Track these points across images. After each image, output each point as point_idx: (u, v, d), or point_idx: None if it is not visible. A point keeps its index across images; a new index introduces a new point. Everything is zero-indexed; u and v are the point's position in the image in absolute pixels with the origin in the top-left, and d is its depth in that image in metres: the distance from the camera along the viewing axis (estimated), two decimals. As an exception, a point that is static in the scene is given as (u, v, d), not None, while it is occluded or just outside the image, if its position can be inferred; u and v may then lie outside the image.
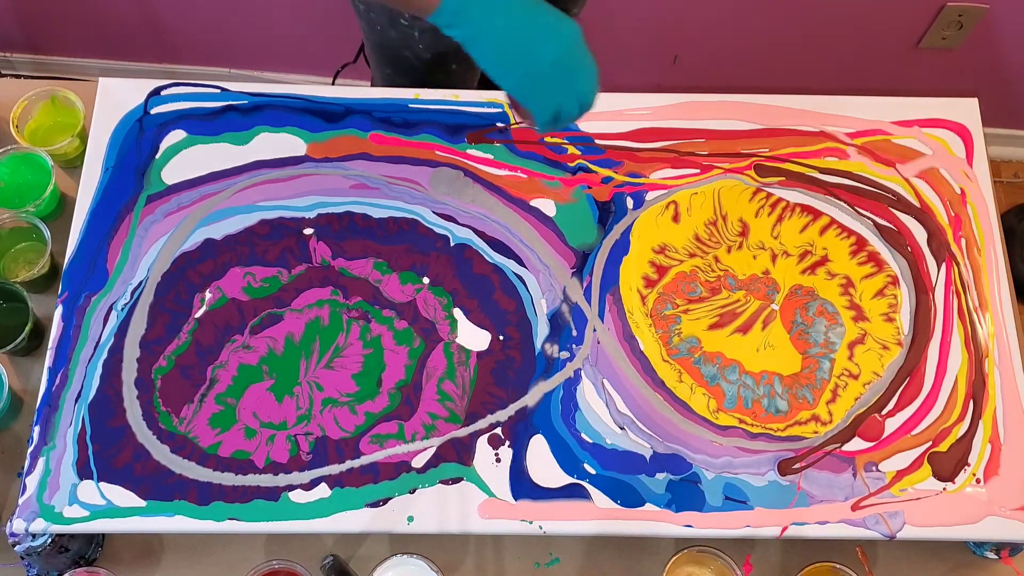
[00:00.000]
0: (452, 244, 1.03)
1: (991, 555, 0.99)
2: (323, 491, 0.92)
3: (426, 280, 1.01)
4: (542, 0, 0.83)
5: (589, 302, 1.01)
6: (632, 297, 1.01)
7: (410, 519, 0.92)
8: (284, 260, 1.01)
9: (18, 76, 2.01)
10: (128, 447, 0.93)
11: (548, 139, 1.07)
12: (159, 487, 0.92)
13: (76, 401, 0.95)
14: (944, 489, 0.94)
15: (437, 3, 0.79)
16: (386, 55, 1.18)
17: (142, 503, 0.91)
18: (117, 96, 1.08)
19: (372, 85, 1.37)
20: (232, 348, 0.98)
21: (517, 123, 0.92)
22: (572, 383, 0.97)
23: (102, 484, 0.92)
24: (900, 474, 0.95)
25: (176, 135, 1.06)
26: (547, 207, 1.05)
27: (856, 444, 0.96)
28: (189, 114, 1.07)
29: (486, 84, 1.25)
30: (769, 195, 1.06)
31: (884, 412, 0.97)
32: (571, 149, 1.07)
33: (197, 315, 0.99)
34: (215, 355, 0.97)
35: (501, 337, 0.99)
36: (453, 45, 1.15)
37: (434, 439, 0.95)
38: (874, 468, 0.95)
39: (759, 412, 0.97)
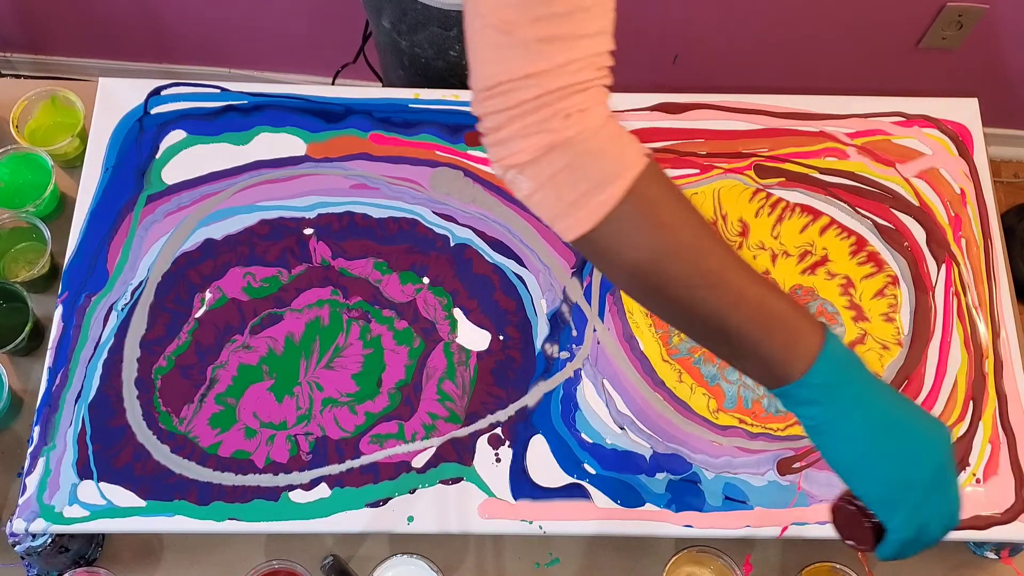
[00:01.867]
0: (452, 244, 1.03)
1: (991, 555, 0.99)
2: (323, 491, 0.92)
3: (426, 280, 1.01)
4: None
5: (589, 302, 1.01)
6: (632, 297, 1.01)
7: (410, 519, 0.92)
8: (284, 260, 1.01)
9: (18, 76, 2.01)
10: (128, 447, 0.93)
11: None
12: (159, 487, 0.92)
13: (76, 401, 0.95)
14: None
15: (800, 374, 0.65)
16: (399, 60, 1.17)
17: (142, 503, 0.91)
18: (117, 96, 1.08)
19: (385, 86, 1.37)
20: (232, 348, 0.98)
21: (851, 546, 0.73)
22: (572, 383, 0.97)
23: (102, 484, 0.92)
24: (900, 474, 0.94)
25: (176, 135, 1.06)
26: (547, 207, 1.05)
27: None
28: (189, 114, 1.07)
29: None
30: (769, 195, 1.06)
31: (884, 412, 0.97)
32: (571, 149, 1.07)
33: (197, 315, 0.99)
34: (215, 355, 0.97)
35: (501, 337, 0.99)
36: None
37: (434, 439, 0.95)
38: (874, 468, 0.95)
39: (759, 412, 0.97)
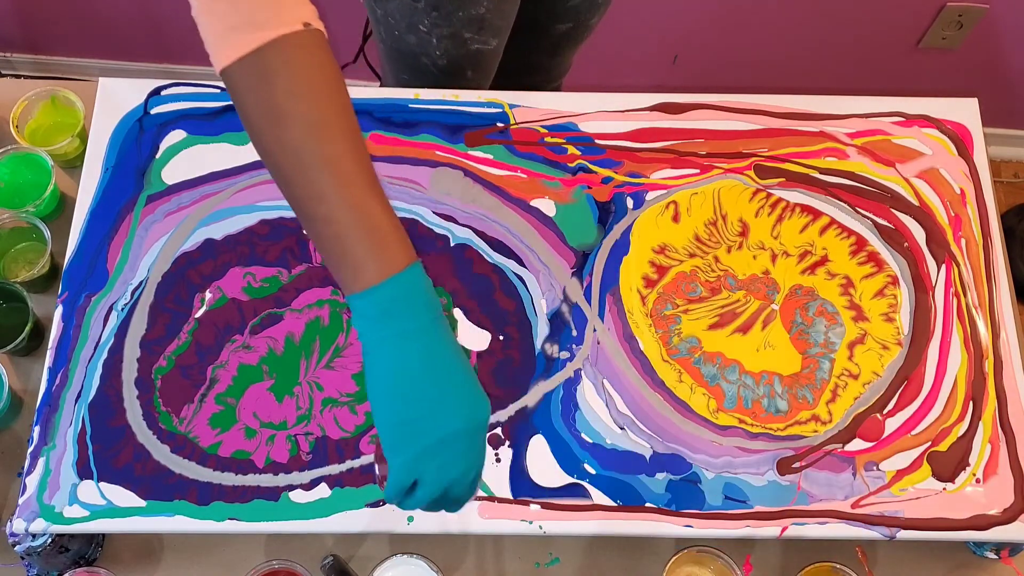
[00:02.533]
0: (452, 244, 1.03)
1: (991, 555, 0.99)
2: (323, 491, 0.92)
3: (426, 280, 1.01)
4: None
5: (589, 302, 1.01)
6: (632, 297, 1.01)
7: (410, 519, 0.92)
8: (284, 260, 1.01)
9: (18, 76, 2.01)
10: (128, 447, 0.93)
11: (548, 139, 1.07)
12: (159, 487, 0.92)
13: (76, 401, 0.95)
14: (944, 489, 0.94)
15: (374, 282, 0.66)
16: (403, 61, 1.18)
17: (142, 503, 0.91)
18: (117, 96, 1.08)
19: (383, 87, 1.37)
20: (232, 348, 0.98)
21: (377, 476, 0.75)
22: (572, 383, 0.97)
23: (102, 484, 0.92)
24: (900, 474, 0.95)
25: (176, 135, 1.06)
26: (547, 207, 1.05)
27: (856, 444, 0.96)
28: (189, 114, 1.07)
29: (499, 86, 1.25)
30: (769, 195, 1.06)
31: (884, 412, 0.97)
32: (571, 149, 1.07)
33: (197, 315, 0.99)
34: (215, 355, 0.97)
35: (501, 337, 0.99)
36: (471, 53, 1.15)
37: (434, 439, 0.95)
38: (874, 468, 0.95)
39: (759, 412, 0.97)
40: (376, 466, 0.77)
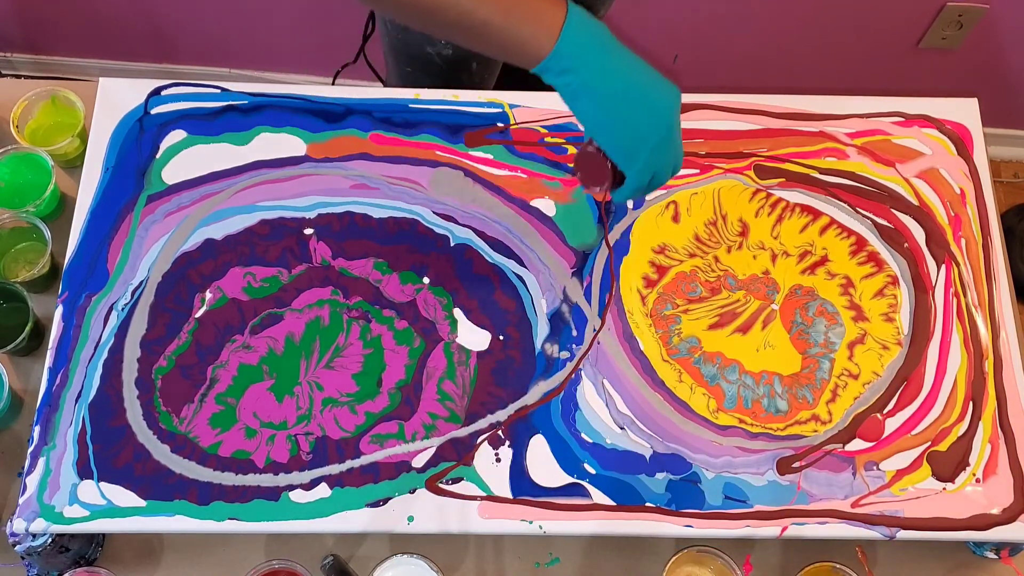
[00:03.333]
0: (452, 244, 1.03)
1: (991, 555, 0.99)
2: (323, 491, 0.92)
3: (426, 280, 1.01)
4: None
5: (589, 302, 1.01)
6: (632, 297, 1.01)
7: (410, 519, 0.92)
8: (284, 260, 1.02)
9: (18, 76, 2.01)
10: (128, 447, 0.93)
11: (548, 139, 1.07)
12: (159, 487, 0.92)
13: (76, 401, 0.95)
14: (944, 489, 0.94)
15: (550, 48, 0.76)
16: (408, 53, 1.17)
17: (142, 503, 0.91)
18: (117, 96, 1.08)
19: (386, 85, 1.37)
20: (232, 348, 0.98)
21: (585, 190, 0.89)
22: (572, 383, 0.97)
23: (102, 484, 0.92)
24: (900, 473, 0.95)
25: (176, 135, 1.06)
26: (547, 207, 1.05)
27: (856, 444, 0.96)
28: (189, 114, 1.07)
29: (503, 85, 1.25)
30: (769, 195, 1.06)
31: (884, 412, 0.97)
32: (571, 149, 1.07)
33: (197, 315, 0.99)
34: (215, 355, 0.97)
35: (501, 337, 0.99)
36: None
37: (434, 439, 0.95)
38: (874, 467, 0.95)
39: (759, 412, 0.97)
40: (587, 188, 0.87)
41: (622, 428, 0.96)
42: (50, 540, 0.91)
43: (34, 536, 0.90)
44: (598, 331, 1.00)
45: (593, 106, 0.79)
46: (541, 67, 0.77)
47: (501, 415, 0.96)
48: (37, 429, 0.94)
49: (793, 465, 0.95)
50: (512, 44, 0.77)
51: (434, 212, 1.04)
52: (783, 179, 1.07)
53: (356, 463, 0.94)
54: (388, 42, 1.20)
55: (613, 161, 0.82)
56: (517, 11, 0.75)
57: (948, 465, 0.95)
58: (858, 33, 1.72)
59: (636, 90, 0.78)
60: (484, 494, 0.93)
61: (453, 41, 0.80)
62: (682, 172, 1.07)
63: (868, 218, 1.05)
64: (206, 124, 1.07)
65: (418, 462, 0.94)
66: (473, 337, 0.99)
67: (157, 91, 1.08)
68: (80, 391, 0.95)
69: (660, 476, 0.94)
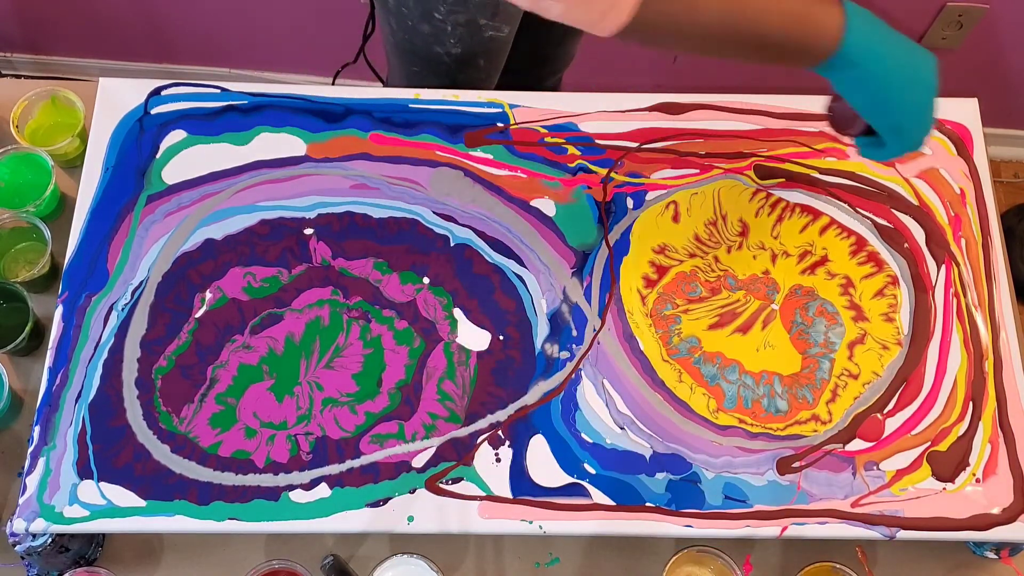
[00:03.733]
0: (452, 244, 1.03)
1: (991, 555, 0.99)
2: (323, 491, 0.92)
3: (426, 280, 1.01)
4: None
5: (589, 302, 1.01)
6: (632, 297, 1.01)
7: (410, 519, 0.92)
8: (284, 260, 1.02)
9: (18, 76, 2.01)
10: (128, 447, 0.93)
11: (548, 139, 1.07)
12: (159, 487, 0.92)
13: (76, 401, 0.95)
14: (944, 489, 0.94)
15: (834, 48, 0.80)
16: (415, 52, 1.17)
17: (142, 503, 0.91)
18: (117, 96, 1.08)
19: (388, 84, 1.37)
20: (232, 348, 0.98)
21: (843, 133, 0.91)
22: (572, 383, 0.97)
23: (102, 484, 0.92)
24: (900, 473, 0.95)
25: (176, 135, 1.06)
26: (547, 207, 1.05)
27: (856, 444, 0.96)
28: (189, 114, 1.07)
29: (503, 85, 1.25)
30: (769, 195, 1.06)
31: (884, 412, 0.97)
32: (571, 149, 1.07)
33: (197, 315, 0.99)
34: (215, 355, 0.97)
35: (501, 337, 0.99)
36: (484, 40, 1.15)
37: (434, 439, 0.95)
38: (874, 467, 0.95)
39: (759, 412, 0.97)
40: (837, 129, 0.92)
41: (622, 428, 0.96)
42: (50, 540, 0.91)
43: (34, 536, 0.90)
44: (598, 331, 1.00)
45: (868, 95, 0.83)
46: (823, 66, 0.82)
47: (501, 415, 0.96)
48: (37, 429, 0.94)
49: (793, 465, 0.95)
50: (795, 49, 0.81)
51: (434, 212, 1.04)
52: (783, 179, 1.07)
53: (356, 463, 0.94)
54: (394, 42, 1.19)
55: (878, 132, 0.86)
56: (798, 17, 0.79)
57: (948, 465, 0.95)
58: (858, 33, 1.72)
59: (908, 75, 0.83)
60: (484, 494, 0.93)
61: (727, 57, 0.83)
62: (682, 172, 1.07)
63: (868, 218, 1.05)
64: (206, 124, 1.07)
65: (418, 462, 0.94)
66: (473, 337, 0.99)
67: (157, 91, 1.08)
68: (80, 391, 0.95)
69: (660, 476, 0.94)
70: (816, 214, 1.06)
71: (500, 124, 1.08)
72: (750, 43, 0.80)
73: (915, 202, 1.06)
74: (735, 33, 0.78)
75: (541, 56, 1.38)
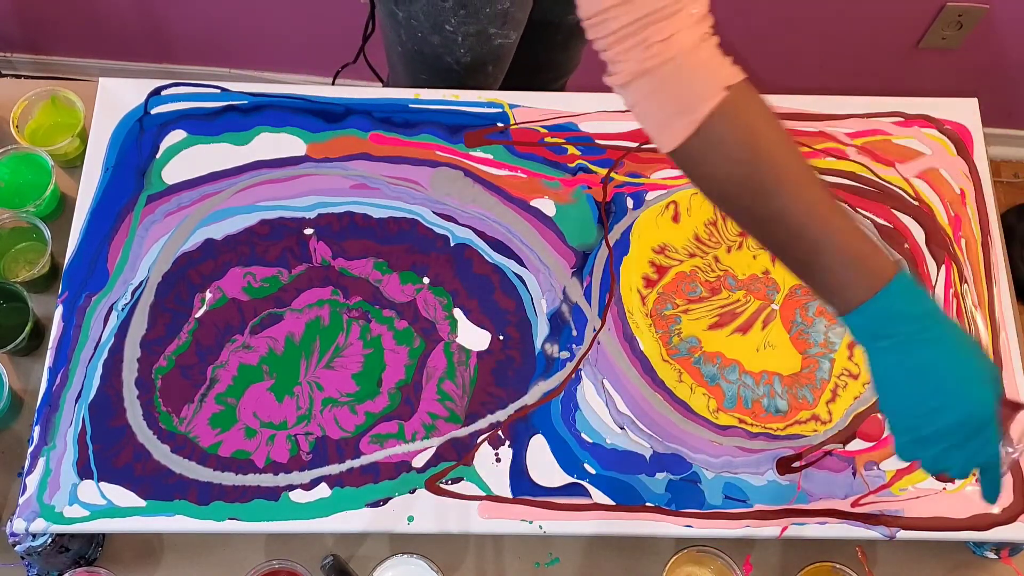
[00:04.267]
0: (452, 244, 1.03)
1: (991, 555, 0.99)
2: (323, 491, 0.92)
3: (426, 280, 1.01)
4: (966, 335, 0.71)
5: (589, 302, 1.01)
6: (632, 297, 1.01)
7: (410, 519, 0.92)
8: (284, 260, 1.02)
9: (18, 76, 2.01)
10: (128, 447, 0.93)
11: (548, 139, 1.07)
12: (159, 487, 0.92)
13: (76, 401, 0.95)
14: (944, 488, 0.94)
15: (867, 297, 0.68)
16: (424, 62, 1.17)
17: (142, 503, 0.91)
18: (117, 96, 1.08)
19: (386, 85, 1.36)
20: (232, 348, 0.98)
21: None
22: (572, 383, 0.97)
23: (102, 484, 0.92)
24: (900, 473, 0.95)
25: (176, 135, 1.06)
26: (547, 207, 1.05)
27: (856, 443, 0.96)
28: (189, 114, 1.07)
29: (503, 85, 1.25)
30: (769, 195, 1.06)
31: (884, 412, 0.97)
32: (571, 149, 1.07)
33: (197, 315, 0.99)
34: (215, 355, 0.97)
35: (501, 337, 0.99)
36: (493, 48, 1.15)
37: (434, 439, 0.95)
38: (874, 467, 0.95)
39: (759, 412, 0.97)
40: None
41: (622, 428, 0.96)
42: (50, 540, 0.91)
43: (34, 536, 0.90)
44: (598, 331, 1.00)
45: (893, 377, 0.70)
46: (850, 317, 0.70)
47: (501, 415, 0.96)
48: (37, 429, 0.94)
49: (793, 465, 0.95)
50: (828, 280, 0.70)
51: (434, 212, 1.04)
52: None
53: (356, 463, 0.94)
54: (401, 52, 1.19)
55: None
56: (849, 250, 0.69)
57: (948, 465, 0.95)
58: (858, 33, 1.72)
59: (919, 379, 0.69)
60: (484, 494, 0.93)
61: (770, 251, 0.74)
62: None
63: (868, 218, 1.05)
64: (206, 124, 1.07)
65: (418, 462, 0.94)
66: (473, 337, 0.99)
67: (157, 91, 1.08)
68: (80, 391, 0.95)
69: (660, 476, 0.94)
70: (816, 214, 1.05)
71: (500, 124, 1.08)
72: (783, 234, 0.70)
73: (915, 202, 1.06)
74: (775, 214, 0.70)
75: (544, 62, 1.38)
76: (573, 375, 0.98)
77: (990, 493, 0.73)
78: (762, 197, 0.69)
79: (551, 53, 1.37)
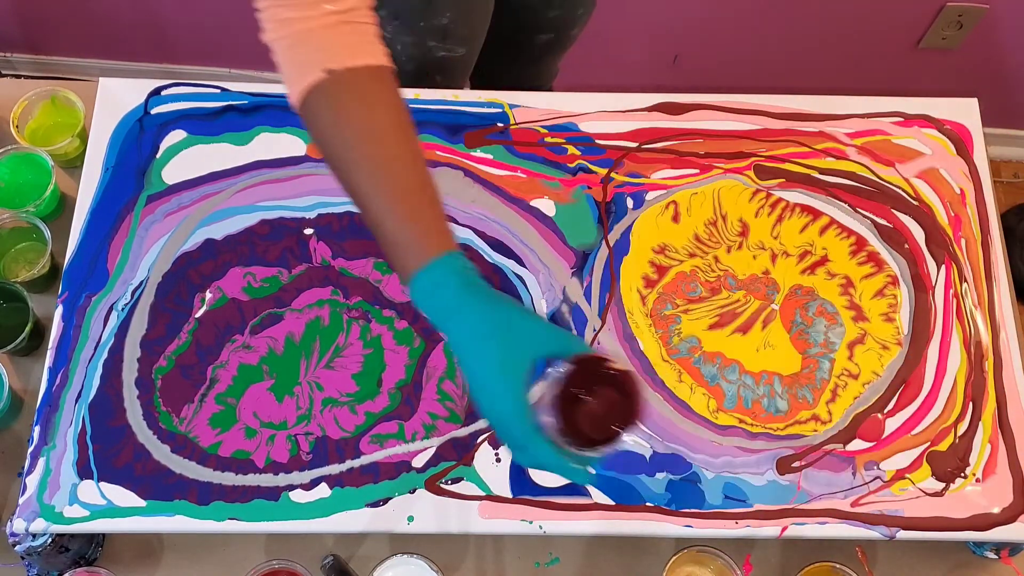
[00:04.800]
0: (452, 244, 1.03)
1: (991, 555, 0.99)
2: (323, 491, 0.92)
3: (426, 280, 1.01)
4: (537, 319, 0.76)
5: (589, 302, 1.01)
6: (632, 297, 1.01)
7: (410, 519, 0.92)
8: (284, 260, 1.02)
9: (18, 76, 2.01)
10: (128, 447, 0.93)
11: (548, 139, 1.07)
12: (159, 487, 0.92)
13: (76, 401, 0.95)
14: (944, 489, 0.94)
15: (409, 273, 0.72)
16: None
17: (142, 503, 0.91)
18: (117, 96, 1.08)
19: None
20: (232, 348, 0.98)
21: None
22: (572, 383, 0.97)
23: (102, 484, 0.92)
24: (900, 473, 0.95)
25: (176, 135, 1.06)
26: (547, 207, 1.05)
27: (856, 443, 0.96)
28: (189, 114, 1.07)
29: (503, 85, 1.25)
30: (769, 195, 1.06)
31: (884, 412, 0.97)
32: (571, 149, 1.07)
33: (197, 315, 0.99)
34: (215, 355, 0.97)
35: (501, 337, 0.99)
36: (436, 60, 1.14)
37: (434, 439, 0.95)
38: (874, 467, 0.95)
39: (759, 412, 0.97)
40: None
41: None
42: (50, 540, 0.91)
43: (34, 536, 0.90)
44: (598, 331, 1.00)
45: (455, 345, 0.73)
46: (409, 288, 0.73)
47: (501, 415, 0.96)
48: (37, 429, 0.94)
49: (793, 465, 0.95)
50: (389, 257, 0.75)
51: (434, 212, 1.04)
52: (783, 179, 1.07)
53: (356, 463, 0.94)
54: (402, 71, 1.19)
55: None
56: (399, 239, 0.74)
57: (948, 465, 0.95)
58: (858, 33, 1.72)
59: (466, 365, 0.72)
60: (484, 494, 0.93)
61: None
62: (682, 172, 1.07)
63: (868, 218, 1.05)
64: (206, 124, 1.07)
65: (418, 462, 0.94)
66: (473, 337, 0.99)
67: (157, 91, 1.08)
68: (80, 391, 0.95)
69: (660, 476, 0.94)
70: (816, 214, 1.06)
71: (500, 124, 1.08)
72: (362, 209, 0.76)
73: (915, 202, 1.06)
74: (352, 190, 0.77)
75: (517, 75, 1.38)
76: (573, 375, 0.97)
77: (573, 479, 0.78)
78: (343, 171, 0.76)
79: (524, 67, 1.37)
